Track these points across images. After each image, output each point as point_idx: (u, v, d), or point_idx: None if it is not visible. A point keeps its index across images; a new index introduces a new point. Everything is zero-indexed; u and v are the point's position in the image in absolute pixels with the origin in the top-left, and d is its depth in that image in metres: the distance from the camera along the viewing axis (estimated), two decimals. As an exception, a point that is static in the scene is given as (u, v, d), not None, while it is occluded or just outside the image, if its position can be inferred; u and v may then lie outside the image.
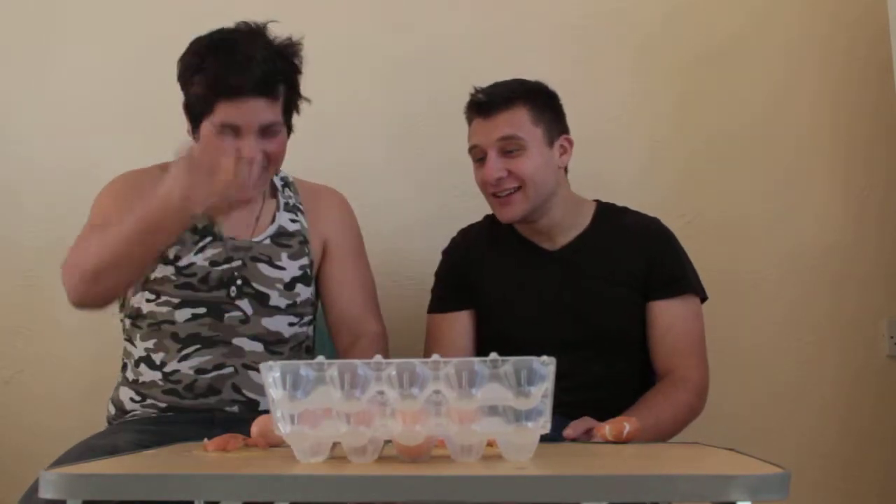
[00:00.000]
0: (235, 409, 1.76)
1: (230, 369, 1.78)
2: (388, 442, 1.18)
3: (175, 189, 1.60)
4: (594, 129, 2.22)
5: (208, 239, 1.81)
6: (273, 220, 1.87)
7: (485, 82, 1.94)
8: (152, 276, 1.79)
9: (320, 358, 1.15)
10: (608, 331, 1.90)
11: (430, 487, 1.01)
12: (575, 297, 1.91)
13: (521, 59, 2.20)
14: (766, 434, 2.22)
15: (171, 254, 1.78)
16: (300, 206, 1.92)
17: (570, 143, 1.95)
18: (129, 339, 1.85)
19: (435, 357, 1.13)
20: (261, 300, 1.81)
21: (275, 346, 1.81)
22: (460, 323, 1.97)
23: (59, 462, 1.53)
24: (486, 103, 1.89)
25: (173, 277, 1.78)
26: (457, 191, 2.29)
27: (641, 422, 1.52)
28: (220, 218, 1.79)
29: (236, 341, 1.79)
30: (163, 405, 1.77)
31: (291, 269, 1.84)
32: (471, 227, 2.07)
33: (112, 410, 1.84)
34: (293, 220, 1.89)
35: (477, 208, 2.05)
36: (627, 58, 2.36)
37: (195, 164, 1.61)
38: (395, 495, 1.02)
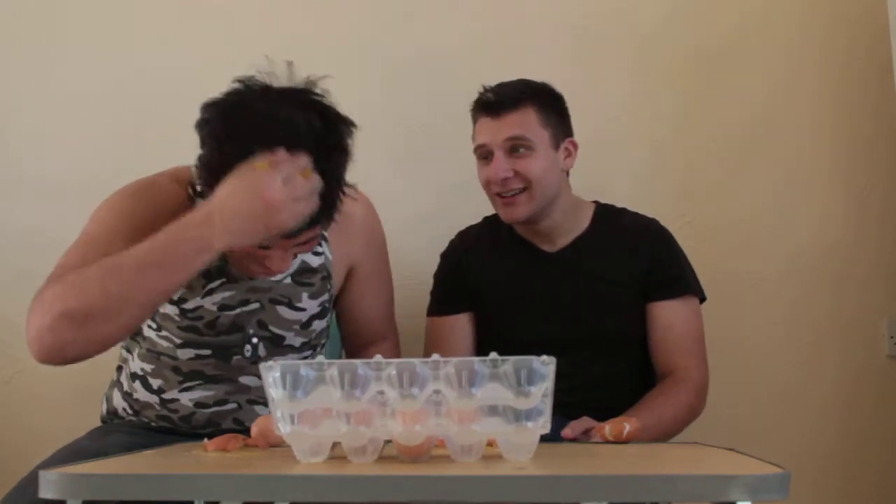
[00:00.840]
0: None
1: (233, 405, 1.67)
2: (388, 442, 1.18)
3: (219, 224, 1.37)
4: (594, 129, 2.22)
5: (219, 281, 1.62)
6: (295, 256, 1.63)
7: (483, 82, 1.94)
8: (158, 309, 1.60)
9: (320, 358, 1.15)
10: (608, 331, 1.90)
11: (430, 487, 1.01)
12: (574, 298, 1.91)
13: (521, 59, 2.20)
14: (766, 434, 2.23)
15: (176, 295, 1.59)
16: (324, 233, 1.69)
17: (575, 146, 1.95)
18: (127, 349, 1.75)
19: (435, 357, 1.13)
20: (276, 342, 1.67)
21: None
22: (460, 326, 1.97)
23: (44, 465, 1.46)
24: (494, 103, 1.88)
25: (177, 318, 1.62)
26: (454, 189, 2.29)
27: (642, 422, 1.52)
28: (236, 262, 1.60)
29: (243, 379, 1.67)
30: (154, 425, 1.69)
31: (311, 308, 1.69)
32: (469, 228, 2.06)
33: (105, 410, 1.78)
34: (317, 254, 1.71)
35: (474, 207, 2.05)
36: (627, 58, 2.36)
37: (259, 202, 1.36)
38: (395, 495, 1.01)
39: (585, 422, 1.59)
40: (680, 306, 1.90)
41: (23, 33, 2.48)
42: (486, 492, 1.01)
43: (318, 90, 1.49)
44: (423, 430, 1.12)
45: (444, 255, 2.05)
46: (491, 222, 2.02)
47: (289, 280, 1.68)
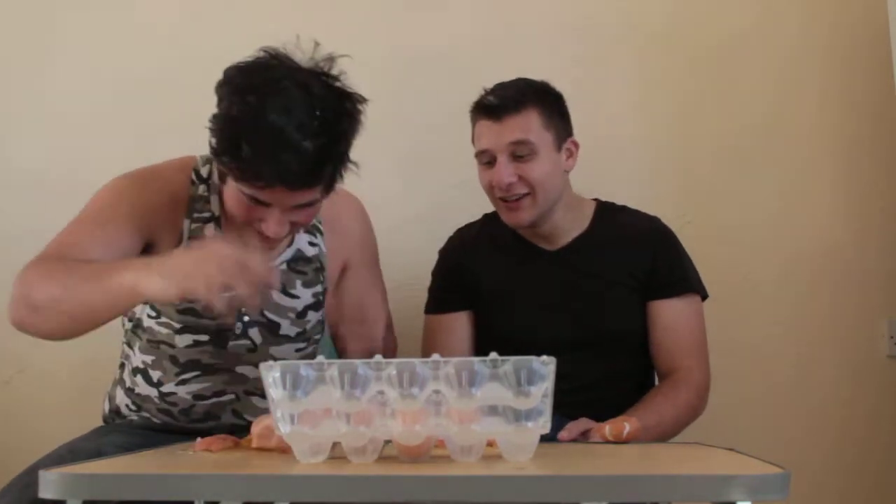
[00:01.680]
0: (234, 430, 1.68)
1: (231, 396, 1.70)
2: (388, 442, 1.18)
3: (167, 271, 1.36)
4: (594, 129, 2.21)
5: None
6: (291, 242, 1.72)
7: (482, 81, 1.92)
8: None
9: (320, 358, 1.15)
10: (608, 331, 1.89)
11: (430, 487, 1.01)
12: (575, 298, 1.90)
13: (522, 59, 2.19)
14: (766, 434, 2.22)
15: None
16: (319, 226, 1.76)
17: (577, 146, 1.93)
18: (129, 344, 1.77)
19: (435, 357, 1.13)
20: (271, 329, 1.70)
21: None
22: (459, 324, 1.96)
23: (41, 464, 1.47)
24: (496, 106, 1.85)
25: (176, 301, 1.58)
26: (454, 189, 2.29)
27: (642, 422, 1.52)
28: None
29: (240, 369, 1.69)
30: (157, 422, 1.72)
31: (305, 297, 1.72)
32: (468, 226, 2.06)
33: (107, 409, 1.79)
34: (312, 244, 1.75)
35: (473, 206, 2.05)
36: (629, 58, 2.36)
37: (205, 256, 1.37)
38: (395, 495, 1.02)
39: (583, 423, 1.58)
40: (682, 305, 1.89)
41: (15, 35, 2.48)
42: (486, 492, 1.01)
43: (335, 68, 1.54)
44: (423, 430, 1.12)
45: (442, 252, 2.04)
46: (491, 220, 2.01)
47: (284, 266, 1.70)
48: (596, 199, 2.01)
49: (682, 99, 2.35)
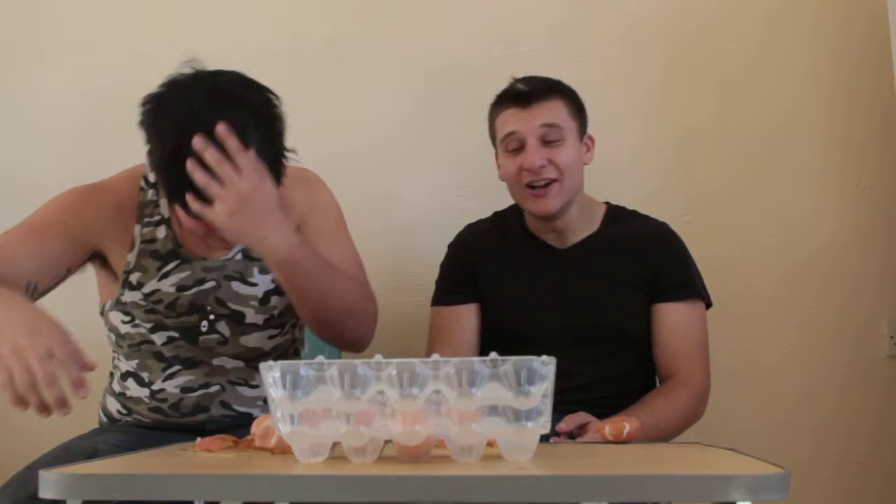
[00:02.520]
0: (227, 422, 1.70)
1: (217, 387, 1.71)
2: (388, 442, 1.18)
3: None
4: (594, 129, 2.22)
5: (174, 263, 1.68)
6: None
7: (488, 81, 1.94)
8: (123, 298, 1.68)
9: (320, 358, 1.15)
10: (613, 330, 1.90)
11: (430, 487, 1.01)
12: (581, 296, 1.91)
13: (522, 59, 2.20)
14: (765, 434, 2.23)
15: (135, 280, 1.67)
16: None
17: (593, 141, 1.98)
18: (115, 354, 1.78)
19: (435, 357, 1.13)
20: (237, 320, 1.70)
21: (256, 360, 1.60)
22: (465, 317, 1.96)
23: (36, 464, 1.47)
24: (526, 93, 1.89)
25: (142, 303, 1.67)
26: (459, 189, 2.29)
27: (641, 422, 1.52)
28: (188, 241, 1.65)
29: (217, 361, 1.71)
30: (147, 421, 1.72)
31: (264, 283, 1.71)
32: (479, 221, 2.07)
33: (104, 418, 1.80)
34: None
35: (475, 207, 2.05)
36: (630, 58, 2.36)
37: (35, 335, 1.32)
38: (395, 495, 1.01)
39: (582, 416, 1.59)
40: (686, 310, 1.90)
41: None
42: (486, 492, 1.01)
43: (243, 73, 1.56)
44: (423, 430, 1.12)
45: (452, 246, 2.05)
46: (501, 217, 2.02)
47: (240, 256, 1.71)
48: (607, 203, 2.02)
49: (682, 99, 2.35)
